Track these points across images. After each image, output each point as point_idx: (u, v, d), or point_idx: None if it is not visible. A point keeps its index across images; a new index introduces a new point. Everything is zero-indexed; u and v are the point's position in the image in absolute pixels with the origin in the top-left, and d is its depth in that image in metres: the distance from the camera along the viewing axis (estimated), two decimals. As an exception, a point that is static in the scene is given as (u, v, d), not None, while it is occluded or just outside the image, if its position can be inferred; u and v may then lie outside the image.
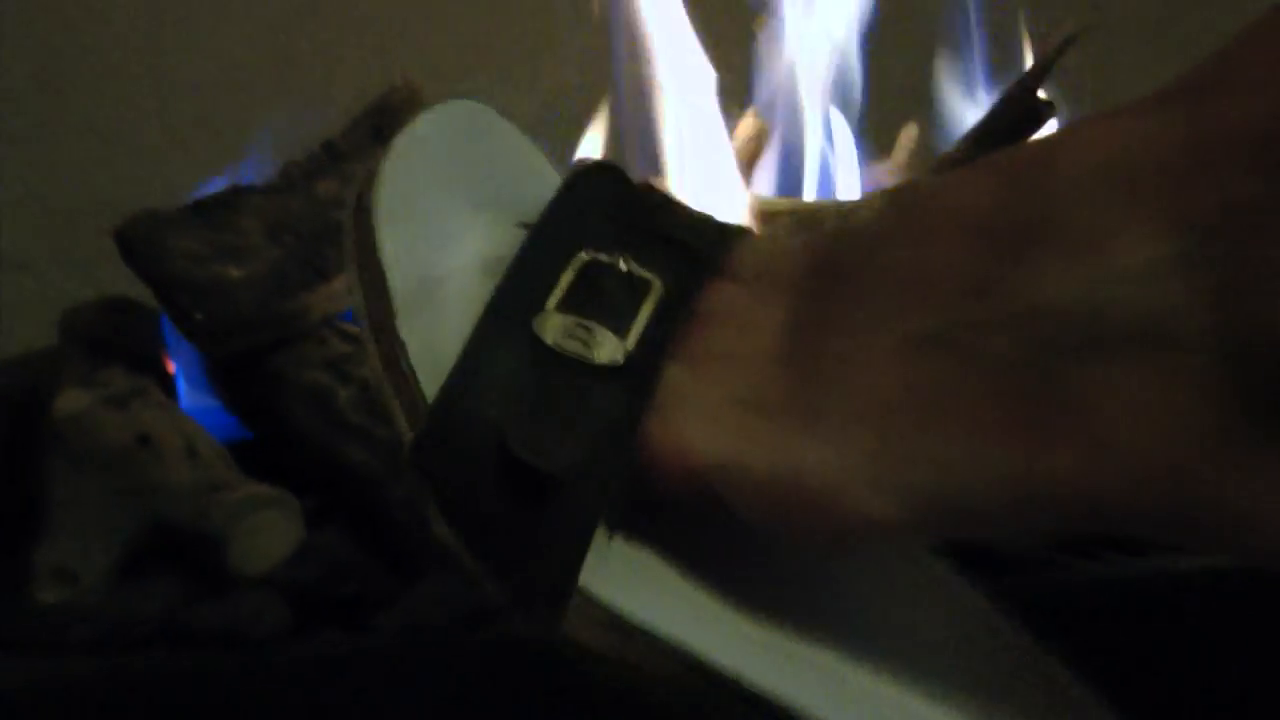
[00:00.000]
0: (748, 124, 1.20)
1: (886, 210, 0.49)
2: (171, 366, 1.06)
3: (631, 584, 0.46)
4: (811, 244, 0.50)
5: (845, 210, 0.87)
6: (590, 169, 0.51)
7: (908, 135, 1.22)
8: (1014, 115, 0.96)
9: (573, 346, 0.47)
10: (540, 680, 0.89)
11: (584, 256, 0.49)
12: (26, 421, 0.96)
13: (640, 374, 0.46)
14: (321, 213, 1.05)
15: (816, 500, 0.45)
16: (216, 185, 1.11)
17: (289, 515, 0.92)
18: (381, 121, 1.10)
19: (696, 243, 0.50)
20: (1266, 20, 0.41)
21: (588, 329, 0.47)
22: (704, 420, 0.47)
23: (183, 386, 1.07)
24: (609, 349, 0.47)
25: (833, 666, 0.48)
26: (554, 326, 0.47)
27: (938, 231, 0.46)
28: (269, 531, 0.91)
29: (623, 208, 0.50)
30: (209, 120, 1.31)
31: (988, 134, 1.00)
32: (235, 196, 1.07)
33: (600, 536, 0.45)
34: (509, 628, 0.89)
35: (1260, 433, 0.41)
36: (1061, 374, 0.43)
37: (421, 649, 0.88)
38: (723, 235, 0.50)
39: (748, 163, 1.19)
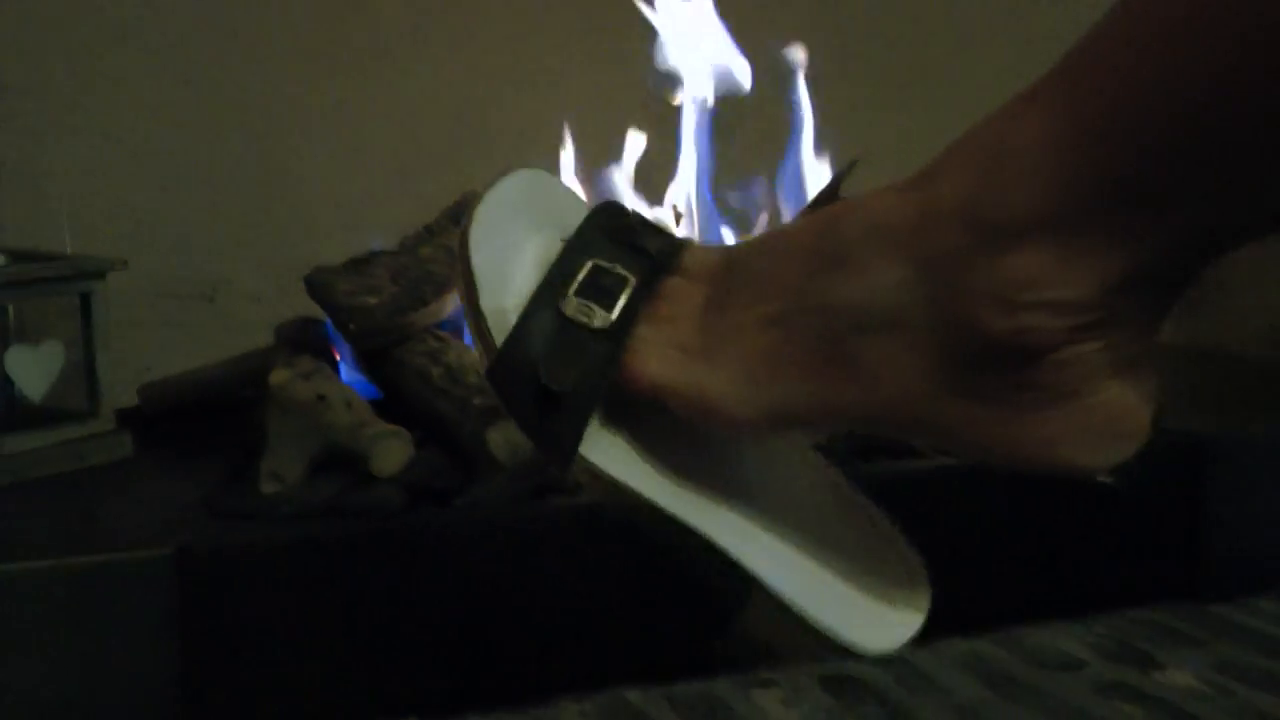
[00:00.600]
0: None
1: (763, 238, 0.55)
2: (337, 355, 1.15)
3: (609, 455, 0.52)
4: (725, 254, 0.55)
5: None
6: (600, 208, 0.56)
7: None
8: (825, 204, 0.98)
9: (581, 319, 0.51)
10: (555, 539, 0.97)
11: (591, 264, 0.53)
12: (259, 387, 1.03)
13: (619, 334, 0.52)
14: (423, 266, 1.11)
15: (713, 409, 0.51)
16: (363, 250, 1.18)
17: (405, 441, 1.00)
18: (459, 213, 1.12)
19: (659, 254, 0.54)
20: (969, 132, 0.46)
21: (590, 308, 0.52)
22: (655, 358, 0.52)
23: (343, 368, 1.15)
24: (600, 319, 0.51)
25: (736, 510, 0.53)
26: (572, 306, 0.51)
27: (785, 253, 0.50)
28: (393, 450, 1.00)
29: (618, 232, 0.54)
30: (361, 214, 1.38)
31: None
32: (373, 256, 1.15)
33: (593, 426, 0.51)
34: (532, 507, 0.97)
35: (954, 379, 0.46)
36: (847, 343, 0.48)
37: (481, 518, 0.95)
38: (675, 247, 0.55)
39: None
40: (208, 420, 1.19)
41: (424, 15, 1.41)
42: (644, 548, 0.96)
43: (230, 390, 1.19)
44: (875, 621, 0.53)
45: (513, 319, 0.52)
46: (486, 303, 0.53)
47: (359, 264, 1.11)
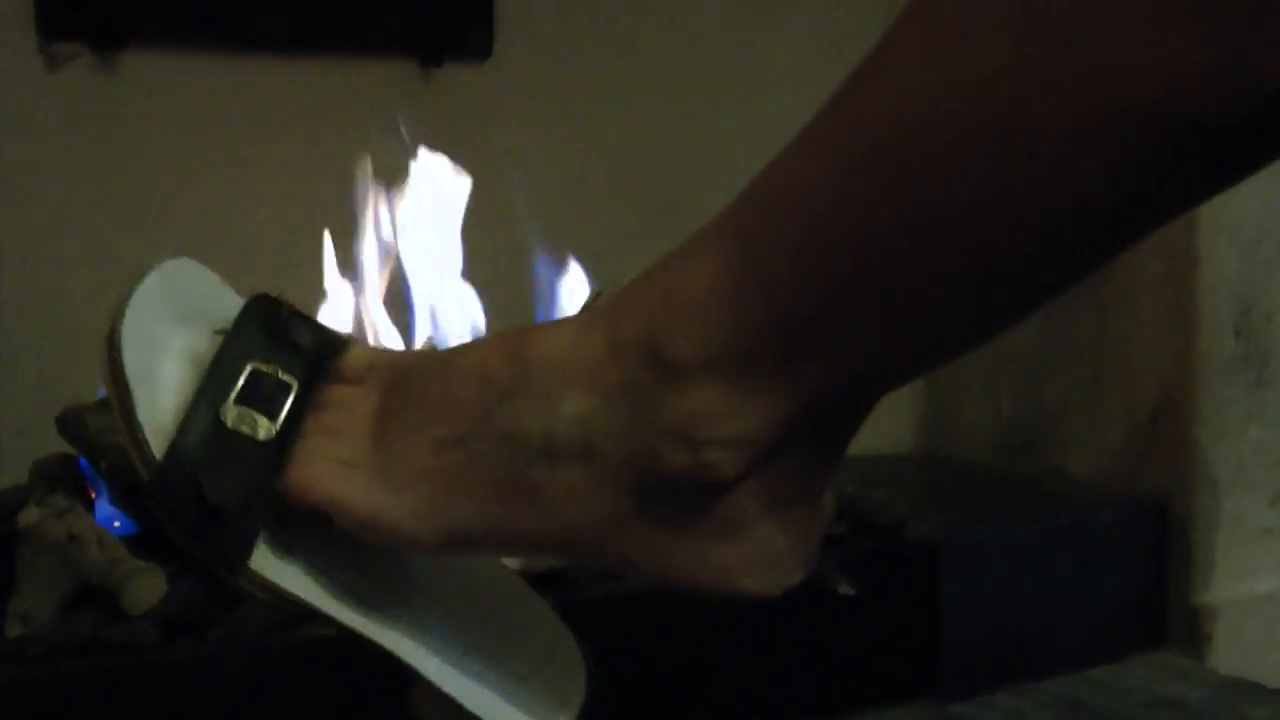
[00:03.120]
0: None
1: (443, 354, 0.52)
2: (92, 493, 1.12)
3: (279, 566, 0.50)
4: (396, 362, 0.53)
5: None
6: (253, 302, 0.54)
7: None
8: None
9: (244, 429, 0.50)
10: (309, 666, 0.96)
11: (251, 368, 0.51)
12: (10, 525, 1.00)
13: (281, 446, 0.50)
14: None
15: (385, 529, 0.49)
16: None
17: (157, 577, 0.98)
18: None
19: (317, 351, 0.52)
20: (651, 268, 0.46)
21: (253, 418, 0.50)
22: (321, 473, 0.50)
23: (99, 505, 1.12)
24: (265, 430, 0.50)
25: (409, 616, 0.52)
26: (233, 415, 0.50)
27: (467, 375, 0.48)
28: (146, 586, 0.97)
29: (273, 327, 0.52)
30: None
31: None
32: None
33: (263, 538, 0.50)
34: (291, 635, 0.95)
35: (637, 509, 0.46)
36: (527, 470, 0.47)
37: (237, 649, 0.94)
38: (333, 345, 0.53)
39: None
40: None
41: (196, 157, 1.39)
42: (396, 673, 0.94)
43: (-18, 528, 1.16)
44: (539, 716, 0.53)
45: (170, 426, 0.50)
46: (143, 411, 0.50)
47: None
